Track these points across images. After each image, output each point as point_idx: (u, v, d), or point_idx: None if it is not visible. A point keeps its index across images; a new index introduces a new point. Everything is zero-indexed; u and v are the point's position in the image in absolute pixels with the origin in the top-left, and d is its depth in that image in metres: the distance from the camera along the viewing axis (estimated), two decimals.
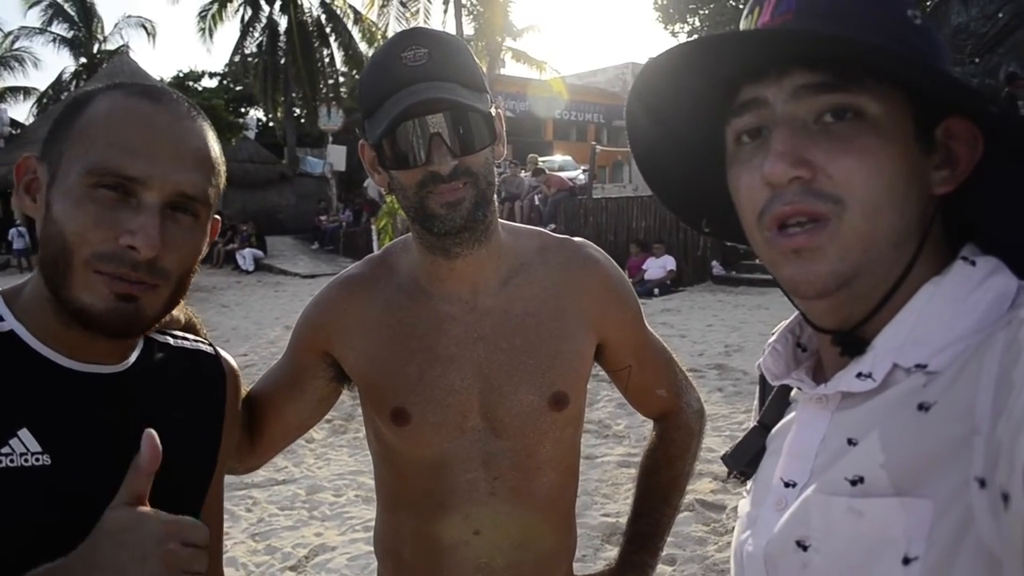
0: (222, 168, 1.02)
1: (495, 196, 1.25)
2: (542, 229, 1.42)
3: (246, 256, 19.72)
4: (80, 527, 0.92)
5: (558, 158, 23.82)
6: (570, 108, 32.89)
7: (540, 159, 18.37)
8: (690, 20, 29.12)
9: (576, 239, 1.40)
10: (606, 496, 4.54)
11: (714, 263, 13.74)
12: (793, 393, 0.87)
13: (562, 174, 17.55)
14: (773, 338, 0.89)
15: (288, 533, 4.26)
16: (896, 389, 0.70)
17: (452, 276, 1.28)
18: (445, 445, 1.28)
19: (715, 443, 5.26)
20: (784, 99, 0.71)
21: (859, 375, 0.72)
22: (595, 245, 1.41)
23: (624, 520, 4.31)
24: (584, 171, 18.61)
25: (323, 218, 22.87)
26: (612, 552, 3.79)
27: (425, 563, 1.34)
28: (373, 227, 16.56)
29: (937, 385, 0.66)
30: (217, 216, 1.05)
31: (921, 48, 0.72)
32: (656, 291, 12.79)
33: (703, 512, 4.17)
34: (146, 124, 0.93)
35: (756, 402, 0.98)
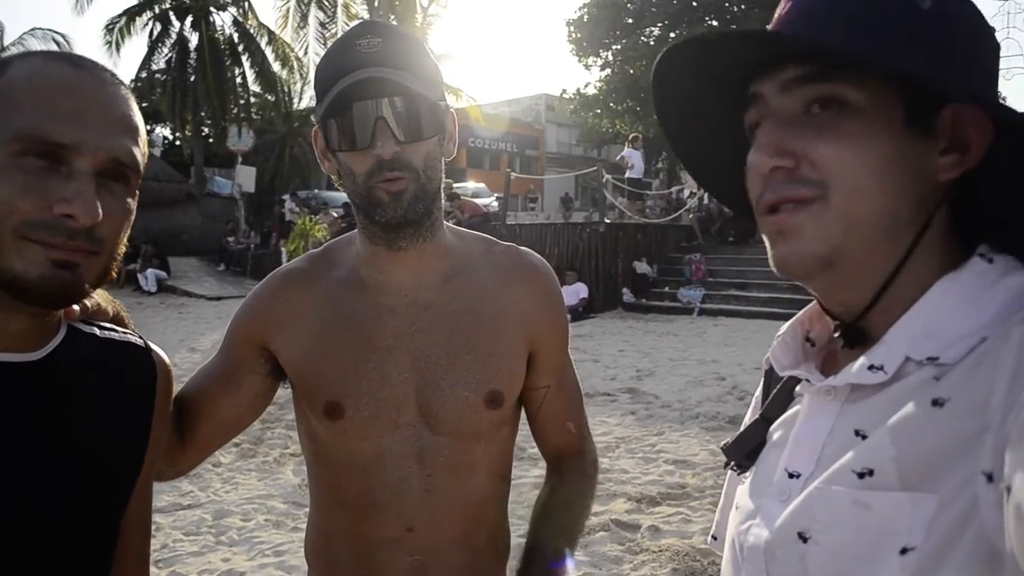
0: (145, 135, 0.98)
1: (440, 193, 1.25)
2: (486, 235, 1.42)
3: (148, 277, 19.00)
4: None
5: (471, 185, 23.94)
6: (484, 137, 33.16)
7: (455, 185, 18.43)
8: (603, 54, 29.83)
9: (522, 248, 1.40)
10: (522, 517, 4.53)
11: (625, 290, 14.00)
12: (799, 387, 0.86)
13: (476, 200, 17.64)
14: (783, 330, 0.89)
15: (193, 559, 4.09)
16: (907, 381, 0.70)
17: (394, 268, 1.27)
18: (379, 439, 1.26)
19: (629, 464, 5.34)
20: (775, 92, 0.74)
21: (871, 368, 0.72)
22: (540, 256, 1.42)
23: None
24: (498, 199, 18.75)
25: (230, 239, 22.31)
26: None
27: (358, 561, 1.32)
28: (283, 250, 16.24)
29: (950, 380, 0.66)
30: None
31: (928, 36, 0.71)
32: (568, 317, 12.90)
33: (618, 532, 4.20)
34: (73, 90, 0.89)
35: (759, 395, 0.97)
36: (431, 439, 1.27)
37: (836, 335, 0.79)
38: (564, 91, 33.32)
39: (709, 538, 1.04)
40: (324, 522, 1.38)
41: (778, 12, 0.79)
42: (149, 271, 19.08)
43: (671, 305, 13.34)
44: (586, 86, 31.56)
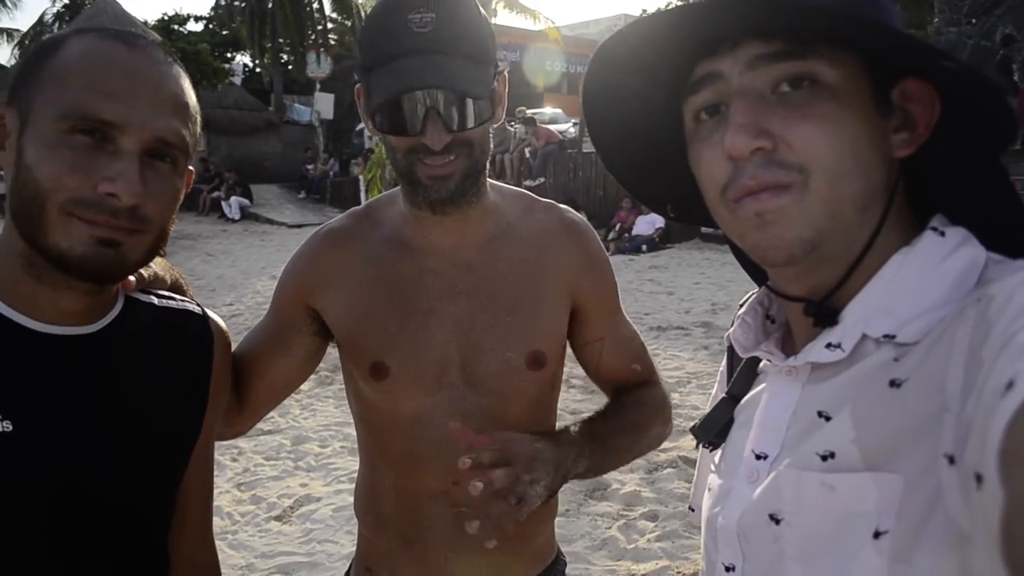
0: (198, 116, 0.99)
1: (487, 158, 1.24)
2: (526, 191, 1.42)
3: (232, 204, 19.52)
4: (43, 494, 0.90)
5: (548, 110, 23.52)
6: (561, 60, 32.51)
7: (530, 111, 18.17)
8: None
9: (561, 205, 1.40)
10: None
11: None
12: (762, 364, 0.88)
13: (552, 127, 17.37)
14: (742, 310, 0.89)
15: (273, 483, 4.29)
16: (867, 362, 0.70)
17: (438, 230, 1.28)
18: (423, 400, 1.29)
19: (700, 401, 5.31)
20: (739, 71, 0.71)
21: (828, 345, 0.73)
22: (578, 213, 1.42)
23: (610, 477, 4.32)
24: (575, 124, 18.44)
25: (310, 167, 22.63)
26: (596, 507, 3.84)
27: (406, 515, 1.36)
28: (361, 177, 16.38)
29: (908, 360, 0.67)
30: (190, 168, 1.02)
31: (868, 13, 0.71)
32: (644, 247, 12.79)
33: (686, 469, 4.21)
34: (123, 68, 0.90)
35: (723, 372, 0.98)
36: (474, 399, 1.29)
37: (804, 315, 0.77)
38: (644, 11, 32.32)
39: (687, 509, 1.07)
40: (372, 478, 1.42)
41: None
42: (233, 199, 19.58)
43: None
44: (667, 5, 30.57)
